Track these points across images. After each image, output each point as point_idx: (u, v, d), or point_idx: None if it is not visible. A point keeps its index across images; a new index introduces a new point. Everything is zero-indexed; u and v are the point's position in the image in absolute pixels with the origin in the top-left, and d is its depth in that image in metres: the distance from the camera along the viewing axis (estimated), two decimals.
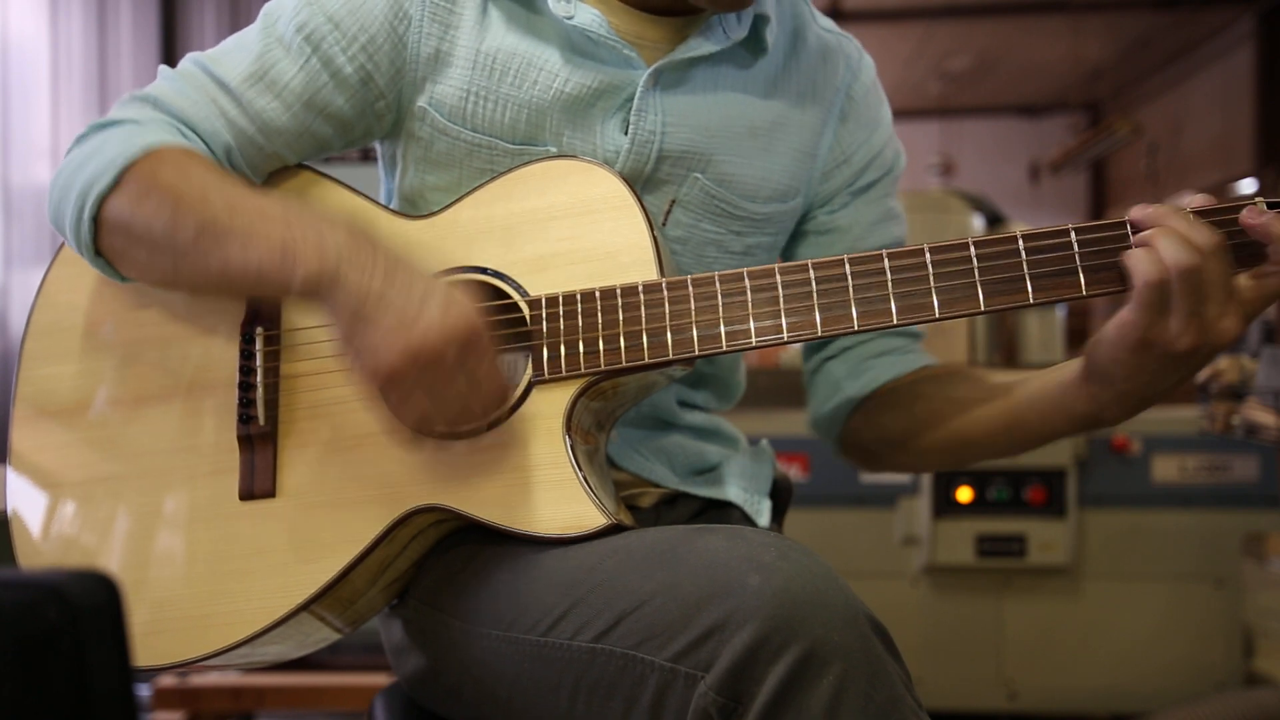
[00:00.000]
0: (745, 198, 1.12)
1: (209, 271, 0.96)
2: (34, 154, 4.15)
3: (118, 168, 0.97)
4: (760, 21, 1.10)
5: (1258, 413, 2.24)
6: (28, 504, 1.05)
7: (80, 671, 0.51)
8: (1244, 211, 0.88)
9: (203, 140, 1.04)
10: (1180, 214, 0.88)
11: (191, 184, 0.96)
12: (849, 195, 1.18)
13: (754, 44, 1.11)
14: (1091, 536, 2.69)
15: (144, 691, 2.60)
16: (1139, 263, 0.86)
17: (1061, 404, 0.99)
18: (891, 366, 1.17)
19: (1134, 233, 0.89)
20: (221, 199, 0.95)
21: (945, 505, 2.66)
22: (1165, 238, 0.86)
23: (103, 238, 1.00)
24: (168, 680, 2.59)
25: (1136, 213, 0.90)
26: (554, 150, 1.06)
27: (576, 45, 1.06)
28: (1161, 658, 2.67)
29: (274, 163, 1.08)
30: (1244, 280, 0.89)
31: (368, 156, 2.37)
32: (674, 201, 1.09)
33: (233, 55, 1.06)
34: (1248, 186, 7.97)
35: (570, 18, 1.04)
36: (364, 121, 1.09)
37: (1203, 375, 2.47)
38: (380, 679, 2.54)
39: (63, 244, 1.11)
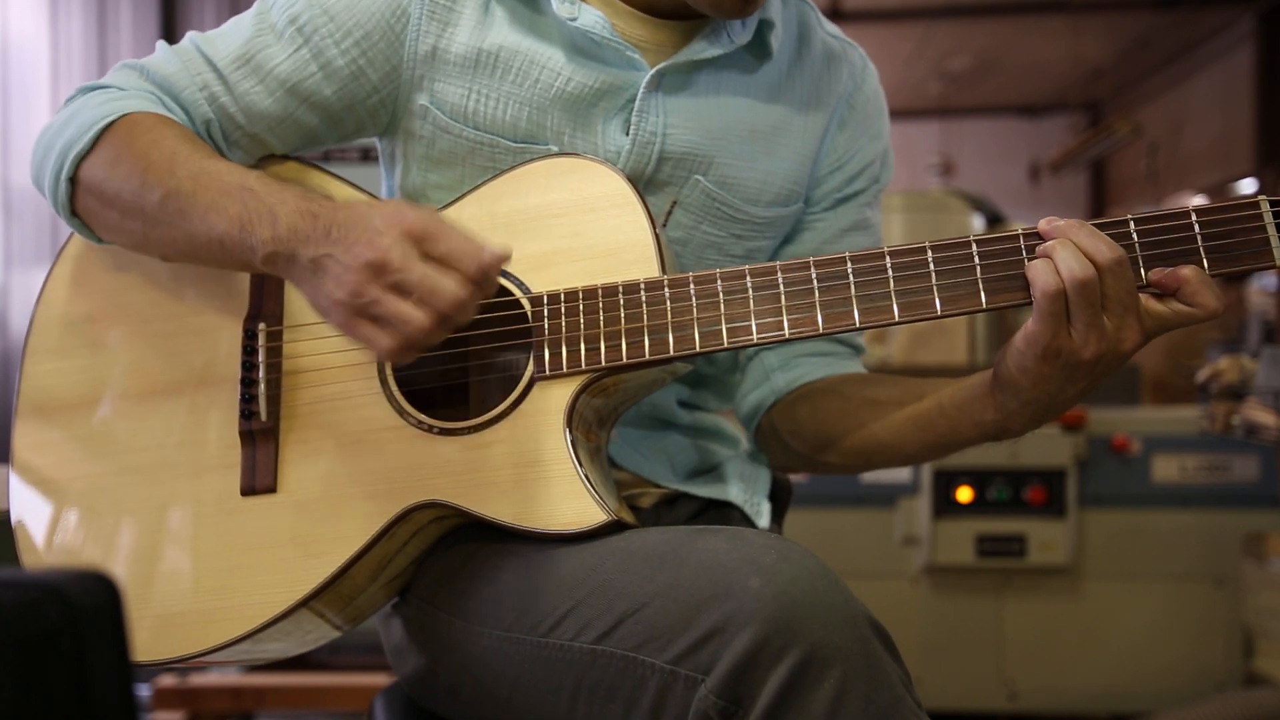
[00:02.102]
0: (747, 201, 1.12)
1: (176, 240, 0.98)
2: None
3: (95, 131, 1.00)
4: (765, 26, 1.10)
5: (1258, 413, 2.24)
6: (30, 500, 1.05)
7: (80, 671, 0.51)
8: (1152, 272, 0.89)
9: (184, 110, 1.05)
10: (1083, 227, 0.89)
11: (161, 151, 0.98)
12: (833, 200, 1.18)
13: (759, 49, 1.11)
14: (1091, 536, 2.69)
15: (144, 691, 2.59)
16: (1037, 274, 0.88)
17: (970, 411, 1.00)
18: (821, 367, 1.17)
19: (1039, 243, 0.91)
20: (186, 168, 0.97)
21: (945, 505, 2.66)
22: (1063, 249, 0.88)
23: (79, 199, 1.02)
24: (168, 680, 2.59)
25: (1044, 225, 0.91)
26: (555, 149, 1.06)
27: (579, 46, 1.06)
28: (1161, 658, 2.67)
29: (257, 145, 1.08)
30: (1151, 302, 0.91)
31: (368, 156, 2.37)
32: (675, 203, 1.09)
33: (226, 37, 1.07)
34: (1248, 186, 7.97)
35: (573, 19, 1.04)
36: (354, 115, 1.09)
37: (1203, 375, 2.47)
38: (380, 679, 2.54)
39: (67, 240, 1.11)
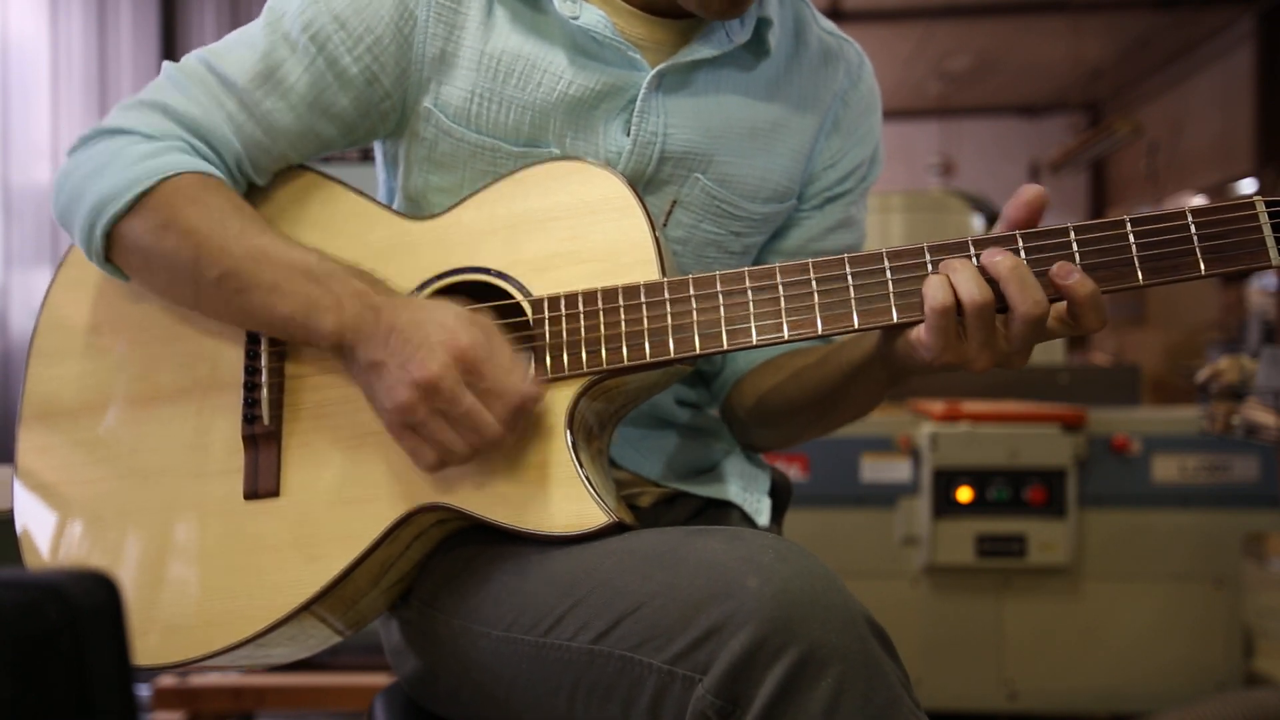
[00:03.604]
0: (745, 198, 1.12)
1: (230, 312, 1.00)
2: (34, 154, 4.14)
3: (135, 193, 0.99)
4: (763, 24, 1.10)
5: (1258, 413, 2.24)
6: (35, 505, 1.05)
7: (80, 671, 0.51)
8: (1055, 268, 0.88)
9: (213, 148, 1.04)
10: (1018, 272, 0.88)
11: (212, 223, 0.98)
12: (822, 200, 1.19)
13: (757, 46, 1.11)
14: (1091, 536, 2.69)
15: (144, 691, 2.60)
16: (930, 289, 0.88)
17: (869, 372, 1.03)
18: (779, 348, 1.18)
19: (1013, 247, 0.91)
20: (241, 245, 0.97)
21: (945, 505, 2.66)
22: (964, 271, 0.88)
23: (116, 254, 1.02)
24: (168, 680, 2.59)
25: (986, 256, 0.90)
26: (557, 152, 1.06)
27: (581, 46, 1.06)
28: (1161, 658, 2.67)
29: (280, 164, 1.08)
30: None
31: (367, 156, 2.37)
32: (675, 202, 1.09)
33: (237, 52, 1.06)
34: (1248, 186, 7.97)
35: (575, 18, 1.04)
36: (368, 121, 1.09)
37: (1203, 375, 2.47)
38: (380, 679, 2.54)
39: (70, 246, 1.11)
